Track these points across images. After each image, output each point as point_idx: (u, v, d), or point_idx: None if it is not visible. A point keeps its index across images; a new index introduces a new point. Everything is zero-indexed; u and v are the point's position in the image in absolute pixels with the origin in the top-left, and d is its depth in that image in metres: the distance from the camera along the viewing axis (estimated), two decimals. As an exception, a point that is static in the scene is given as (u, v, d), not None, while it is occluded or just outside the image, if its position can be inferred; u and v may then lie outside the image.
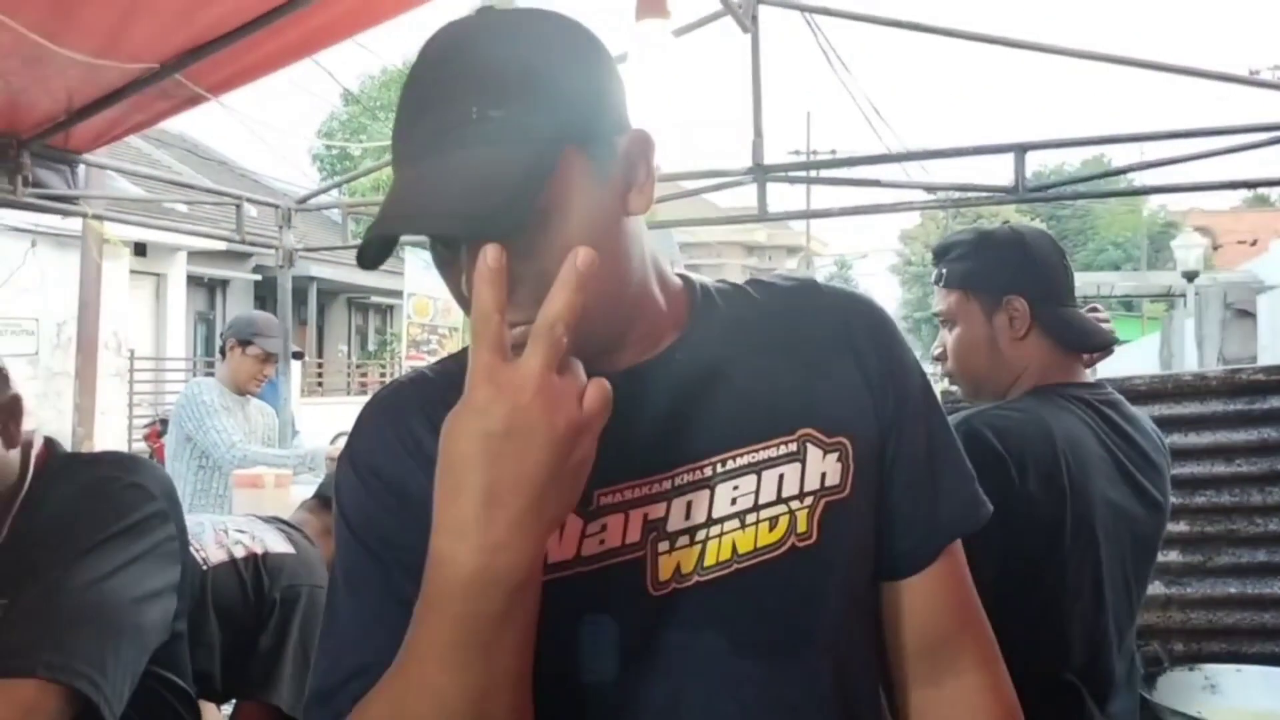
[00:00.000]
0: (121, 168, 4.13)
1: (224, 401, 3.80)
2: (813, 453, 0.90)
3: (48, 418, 12.62)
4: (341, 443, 3.72)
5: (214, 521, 2.48)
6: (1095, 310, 1.92)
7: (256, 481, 3.38)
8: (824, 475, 0.90)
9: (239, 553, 2.28)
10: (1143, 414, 1.68)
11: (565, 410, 0.69)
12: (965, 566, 1.01)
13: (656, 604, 0.85)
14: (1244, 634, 2.94)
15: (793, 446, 0.90)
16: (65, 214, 3.70)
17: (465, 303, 0.84)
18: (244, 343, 3.87)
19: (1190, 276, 11.07)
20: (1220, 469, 2.98)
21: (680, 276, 0.98)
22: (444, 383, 0.92)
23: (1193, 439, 2.98)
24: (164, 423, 12.79)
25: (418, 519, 0.77)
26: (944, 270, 1.68)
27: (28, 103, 3.09)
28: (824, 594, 0.90)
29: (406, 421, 0.89)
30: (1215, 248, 21.48)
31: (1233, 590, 2.94)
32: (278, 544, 2.33)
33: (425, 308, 9.88)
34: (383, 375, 20.84)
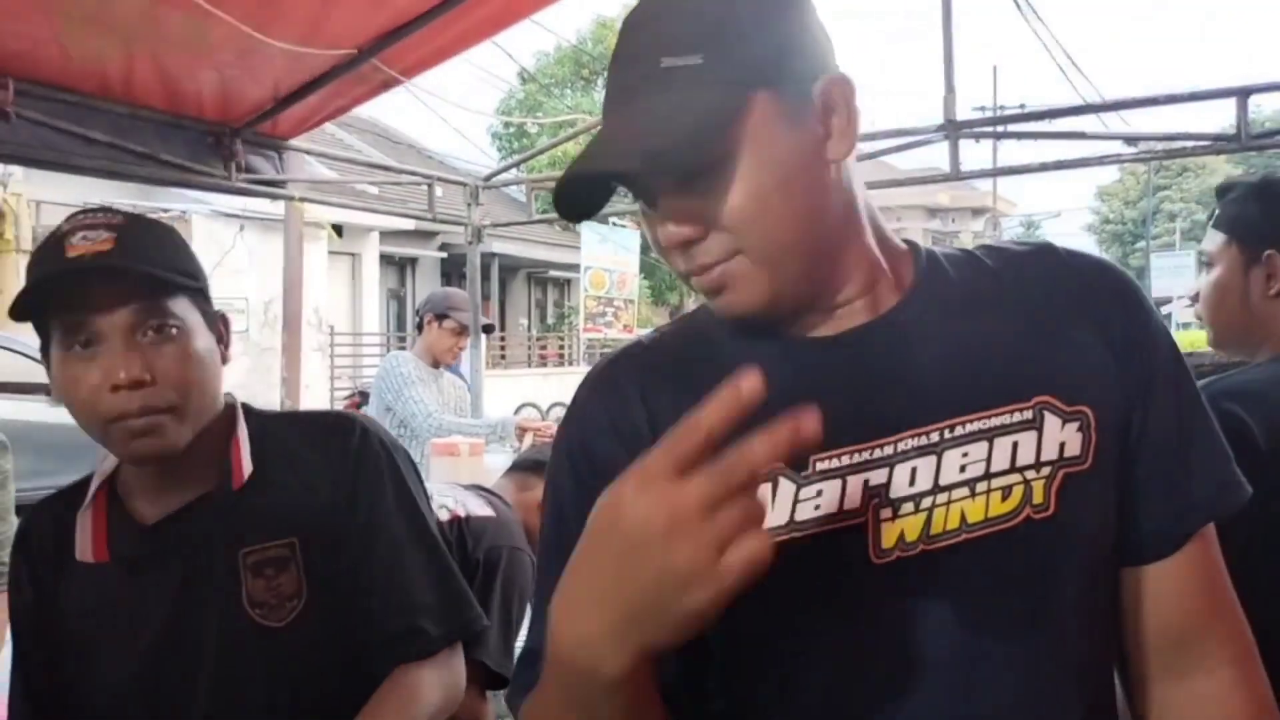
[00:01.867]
0: (323, 152, 4.33)
1: (420, 373, 3.96)
2: (1051, 421, 0.85)
3: (257, 390, 13.50)
4: (526, 413, 3.86)
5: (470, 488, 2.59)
6: None
7: (453, 450, 3.51)
8: (1063, 445, 0.85)
9: (444, 516, 2.38)
10: None
11: (692, 550, 0.65)
12: (1218, 552, 0.93)
13: (879, 572, 0.82)
14: None
15: (1028, 414, 0.85)
16: (274, 197, 3.92)
17: (662, 251, 0.87)
18: (440, 317, 4.04)
19: None
20: None
21: (906, 241, 0.95)
22: (659, 352, 0.94)
23: None
24: (363, 394, 13.55)
25: None
26: (1218, 210, 1.60)
27: (238, 92, 3.28)
28: (1059, 570, 0.86)
29: (621, 400, 0.90)
30: None
31: None
32: (479, 508, 2.43)
33: (601, 280, 10.03)
34: (561, 348, 21.35)
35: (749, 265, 0.83)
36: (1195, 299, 1.64)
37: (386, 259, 16.90)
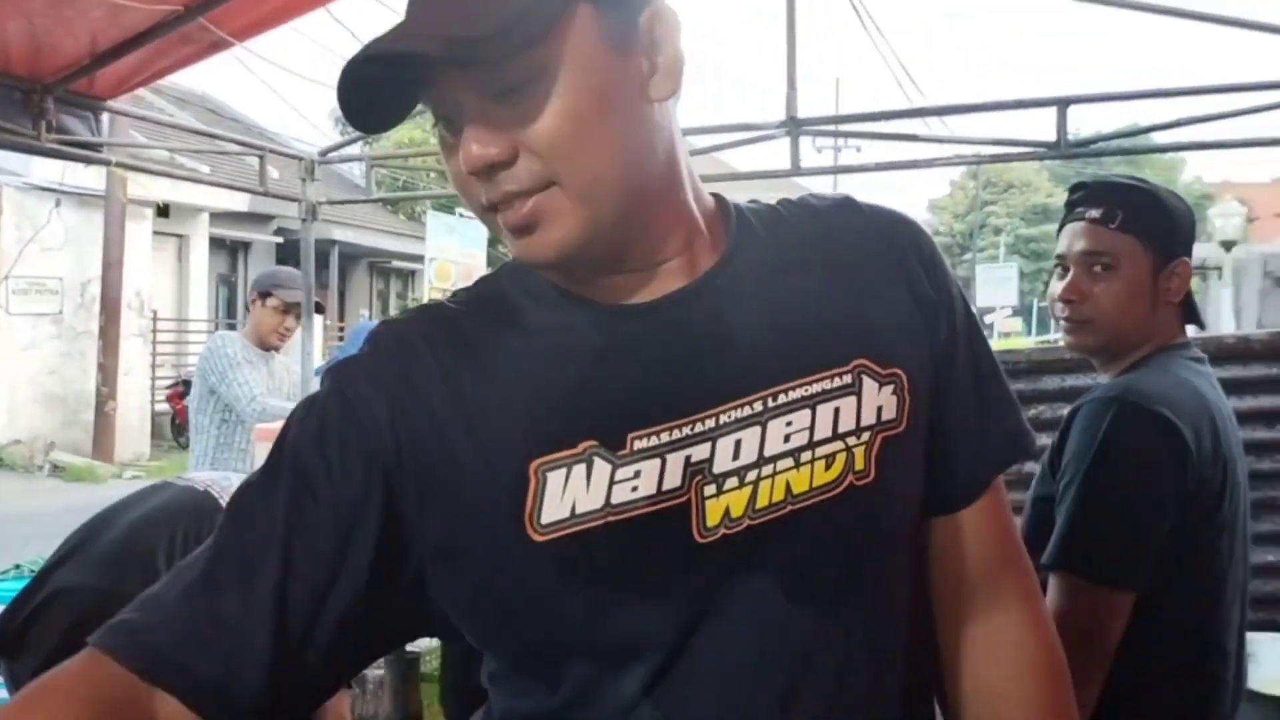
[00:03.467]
0: (146, 115, 4.08)
1: (247, 355, 3.78)
2: (868, 385, 0.84)
3: (72, 376, 12.73)
4: None
5: (240, 477, 2.47)
6: None
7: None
8: (880, 409, 0.84)
9: None
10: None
11: None
12: (1007, 499, 0.97)
13: (704, 551, 0.79)
14: (1257, 602, 2.88)
15: (847, 379, 0.84)
16: (89, 161, 3.68)
17: (462, 184, 0.80)
18: (264, 295, 3.86)
19: (1228, 245, 10.90)
20: (1261, 434, 2.90)
21: (714, 195, 0.91)
22: (458, 317, 0.86)
23: (1234, 403, 2.90)
24: (186, 384, 12.94)
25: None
26: (1119, 211, 1.57)
27: (51, 45, 3.05)
28: (882, 535, 0.86)
29: (415, 364, 0.82)
30: (1251, 220, 21.17)
31: (1271, 558, 2.87)
32: None
33: (447, 272, 9.83)
34: (404, 340, 20.87)
35: (563, 199, 0.77)
36: (1069, 300, 1.60)
37: (217, 242, 16.16)
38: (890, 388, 0.85)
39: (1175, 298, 1.57)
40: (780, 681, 0.81)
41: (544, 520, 0.77)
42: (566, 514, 0.77)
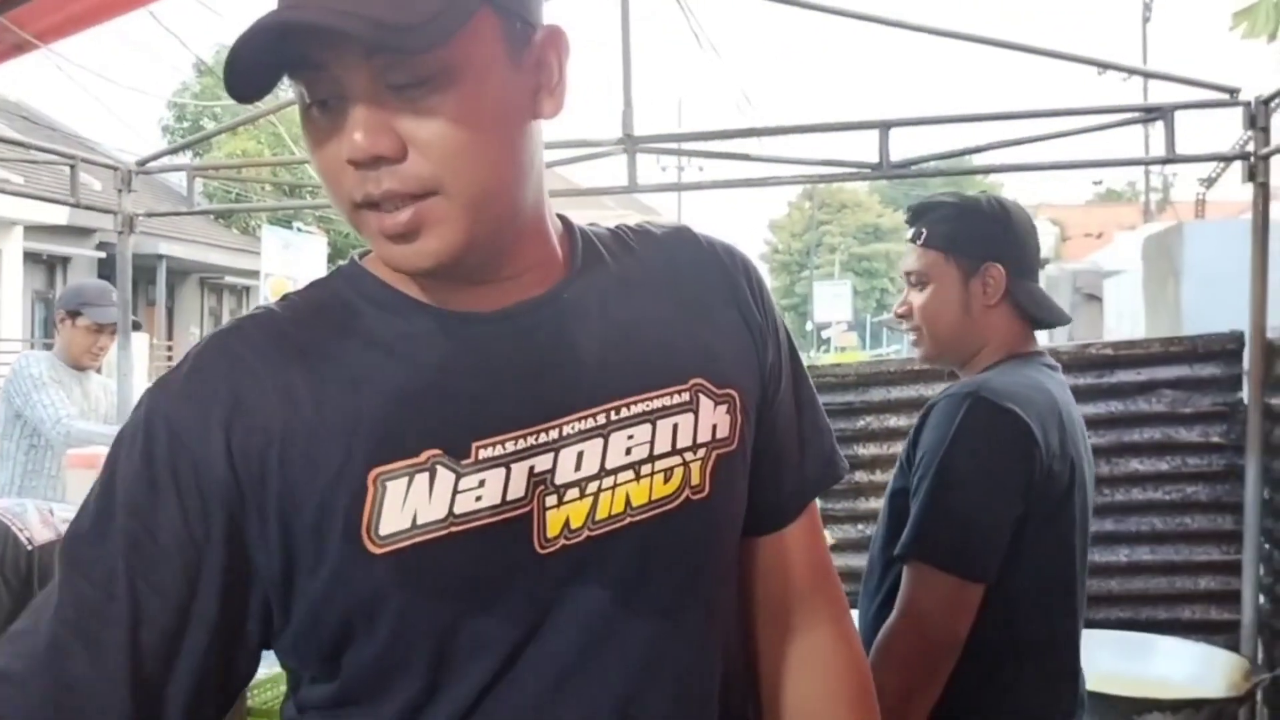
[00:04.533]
0: (-61, 122, 3.79)
1: (56, 375, 3.55)
2: (704, 403, 0.87)
3: None
4: None
5: (37, 503, 2.32)
6: None
7: (92, 462, 3.14)
8: (715, 427, 0.87)
9: (48, 535, 2.14)
10: None
11: None
12: (819, 522, 1.01)
13: (544, 562, 0.79)
14: (1089, 600, 3.07)
15: (685, 396, 0.86)
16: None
17: (332, 171, 0.75)
18: (73, 314, 3.62)
19: (1042, 263, 11.58)
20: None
21: (560, 217, 0.92)
22: (292, 323, 0.82)
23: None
24: (-4, 406, 12.07)
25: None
26: (924, 229, 1.67)
27: None
28: (713, 549, 0.88)
29: (247, 378, 0.78)
30: (1064, 239, 22.55)
31: (1098, 559, 3.05)
32: None
33: (283, 288, 9.50)
34: (239, 358, 20.09)
35: (446, 208, 0.75)
36: (903, 315, 1.71)
37: (33, 257, 15.21)
38: (725, 406, 0.88)
39: (991, 300, 1.63)
40: (617, 691, 0.81)
41: (383, 531, 0.76)
42: (407, 524, 0.76)
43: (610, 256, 0.91)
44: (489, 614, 0.79)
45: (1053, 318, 1.68)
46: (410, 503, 0.76)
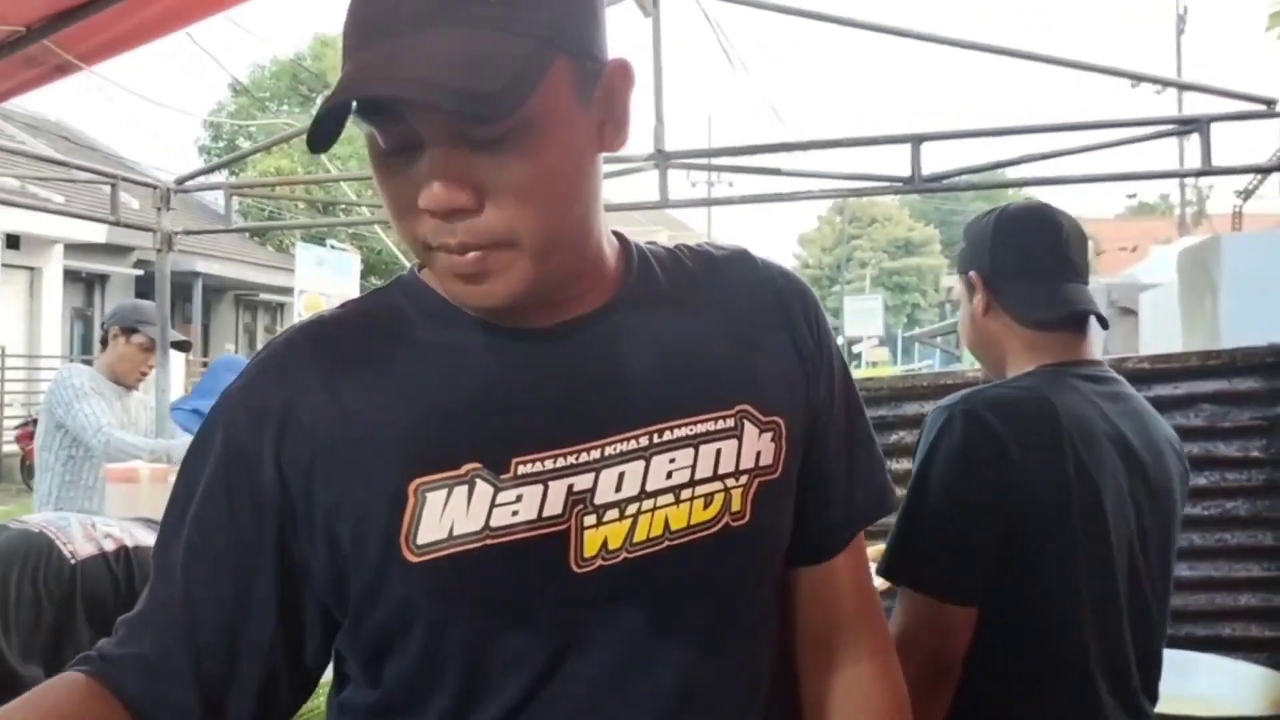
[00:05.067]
0: (-16, 142, 3.88)
1: (98, 387, 3.60)
2: (749, 430, 0.86)
3: (-92, 417, 11.95)
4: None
5: (80, 517, 2.36)
6: None
7: (132, 476, 3.19)
8: (759, 454, 0.86)
9: (109, 546, 2.18)
10: (1138, 395, 1.64)
11: None
12: (866, 554, 1.00)
13: (580, 581, 0.79)
14: None
15: (730, 422, 0.86)
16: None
17: (406, 214, 0.76)
18: (128, 330, 3.66)
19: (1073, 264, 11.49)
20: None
21: (616, 234, 0.92)
22: (343, 331, 0.85)
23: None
24: (36, 422, 12.23)
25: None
26: (957, 254, 1.72)
27: (-122, 66, 2.88)
28: (752, 576, 0.88)
29: (297, 387, 0.82)
30: (1098, 253, 22.36)
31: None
32: (146, 537, 2.23)
33: (317, 305, 9.59)
34: (273, 375, 20.28)
35: (518, 256, 0.76)
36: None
37: (72, 275, 15.44)
38: (770, 434, 0.87)
39: (979, 310, 1.60)
40: (651, 716, 0.81)
41: (420, 541, 0.77)
42: (444, 535, 0.77)
43: (665, 276, 0.91)
44: (522, 630, 0.79)
45: (1046, 313, 1.56)
46: (448, 514, 0.77)
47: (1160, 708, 2.17)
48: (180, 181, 3.82)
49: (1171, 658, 2.57)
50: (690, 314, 0.89)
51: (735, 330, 0.90)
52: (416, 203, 0.74)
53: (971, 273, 1.62)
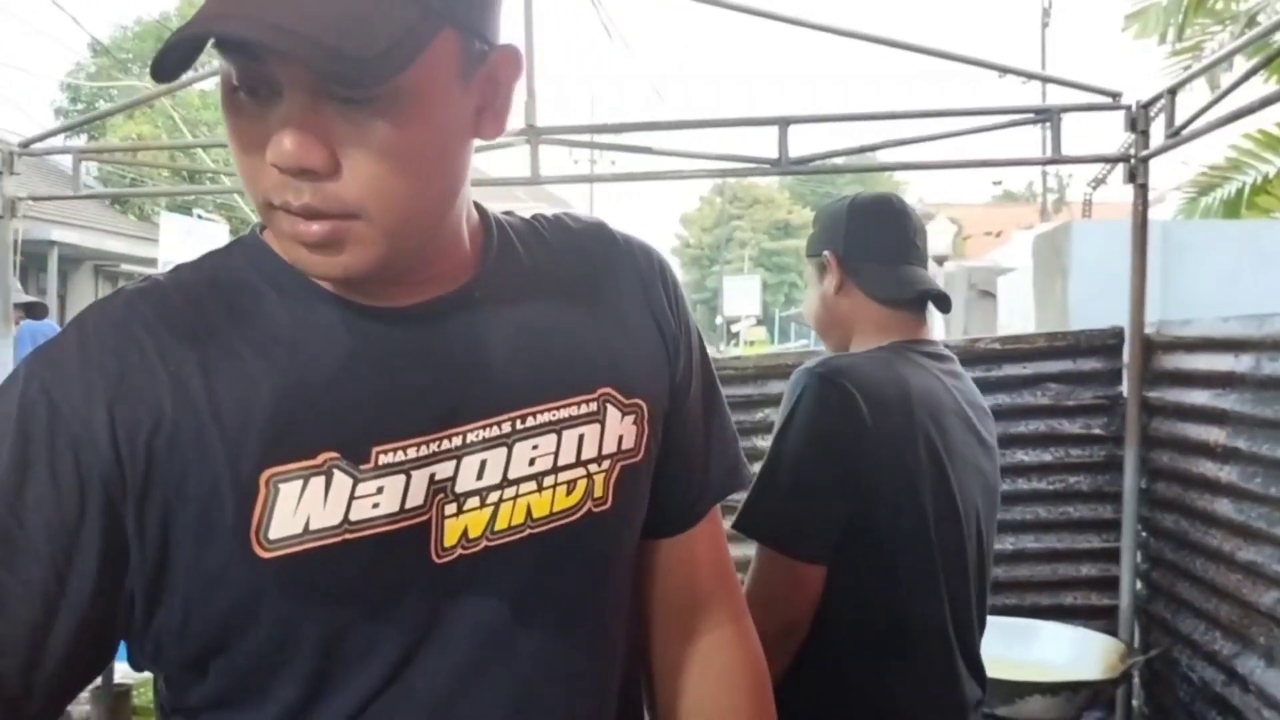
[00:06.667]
0: None
1: None
2: (612, 414, 0.86)
3: None
4: None
5: None
6: None
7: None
8: (621, 438, 0.86)
9: None
10: (965, 372, 1.74)
11: None
12: (722, 527, 1.01)
13: (440, 572, 0.78)
14: None
15: (593, 406, 0.85)
16: None
17: (252, 165, 0.70)
18: None
19: (940, 260, 11.96)
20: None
21: (476, 206, 0.88)
22: (183, 300, 0.78)
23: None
24: None
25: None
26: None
27: None
28: (613, 560, 0.88)
29: (135, 355, 0.74)
30: (965, 238, 23.15)
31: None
32: None
33: (183, 277, 9.23)
34: (135, 349, 19.50)
35: (367, 230, 0.71)
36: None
37: (-88, 241, 14.50)
38: (632, 417, 0.87)
39: (831, 289, 1.68)
40: (504, 703, 0.80)
41: (272, 535, 0.72)
42: (299, 529, 0.73)
43: (524, 250, 0.89)
44: (378, 622, 0.77)
45: (898, 292, 1.65)
46: (304, 507, 0.73)
47: (1005, 673, 2.27)
48: (25, 144, 3.61)
49: (1016, 625, 2.71)
50: (552, 293, 0.87)
51: (597, 309, 0.89)
52: (264, 153, 0.69)
53: (826, 253, 1.68)
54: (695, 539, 0.97)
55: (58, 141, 4.22)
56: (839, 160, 3.31)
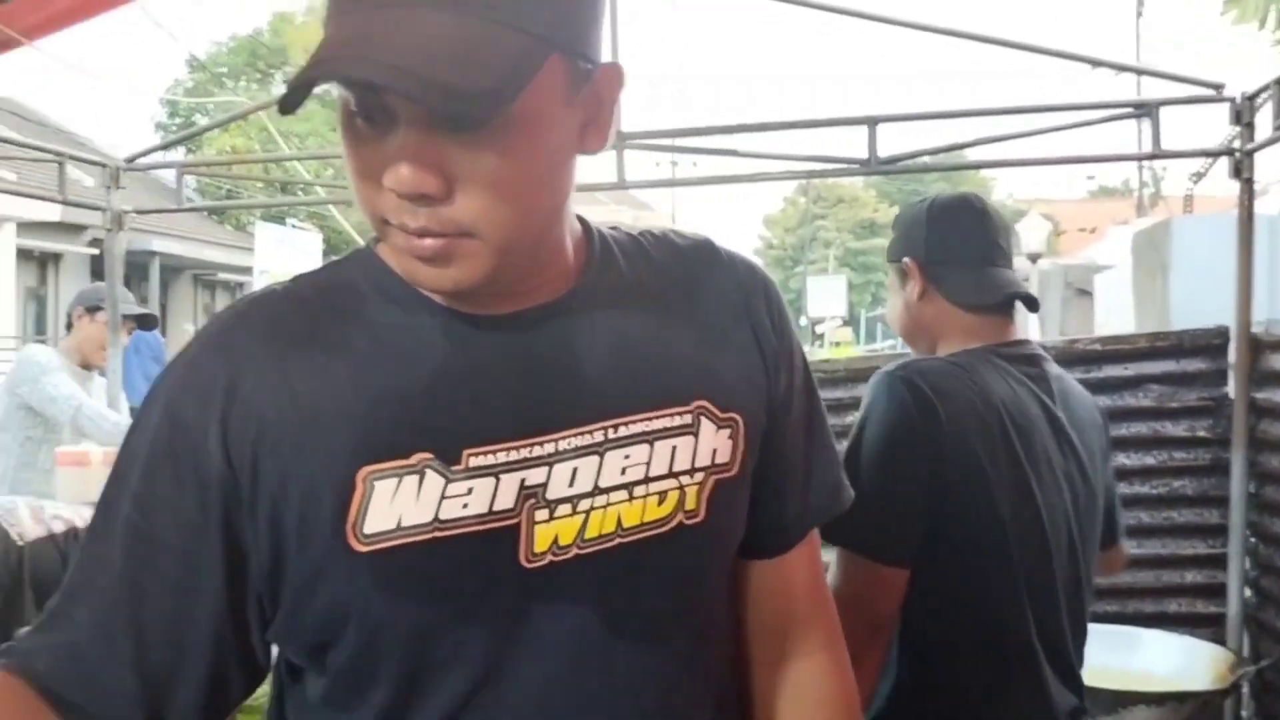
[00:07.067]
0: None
1: (63, 365, 3.58)
2: (706, 426, 0.85)
3: None
4: None
5: (28, 500, 2.35)
6: None
7: (82, 459, 3.15)
8: (715, 451, 0.85)
9: (57, 528, 2.18)
10: (1066, 373, 1.70)
11: None
12: (819, 549, 1.00)
13: (528, 576, 0.79)
14: None
15: (687, 418, 0.84)
16: None
17: (370, 190, 0.73)
18: (92, 309, 3.69)
19: (1034, 258, 11.68)
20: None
21: (579, 218, 0.90)
22: (296, 306, 0.83)
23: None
24: (-11, 404, 11.98)
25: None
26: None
27: None
28: (704, 574, 0.88)
29: (244, 364, 0.79)
30: (1058, 234, 22.62)
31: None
32: None
33: (277, 284, 9.46)
34: (233, 355, 20.12)
35: (478, 247, 0.74)
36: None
37: (25, 254, 15.17)
38: (727, 431, 0.86)
39: (914, 296, 1.64)
40: (601, 713, 0.81)
41: (367, 530, 0.75)
42: (392, 525, 0.75)
43: (627, 264, 0.89)
44: (468, 624, 0.78)
45: (983, 297, 1.61)
46: (397, 504, 0.76)
47: (1107, 682, 2.22)
48: (131, 159, 3.75)
49: (1119, 633, 2.64)
50: (651, 305, 0.88)
51: (696, 323, 0.89)
52: (381, 177, 0.72)
53: (906, 259, 1.65)
54: (792, 562, 0.96)
55: (160, 156, 4.37)
56: (929, 159, 3.26)
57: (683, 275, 0.91)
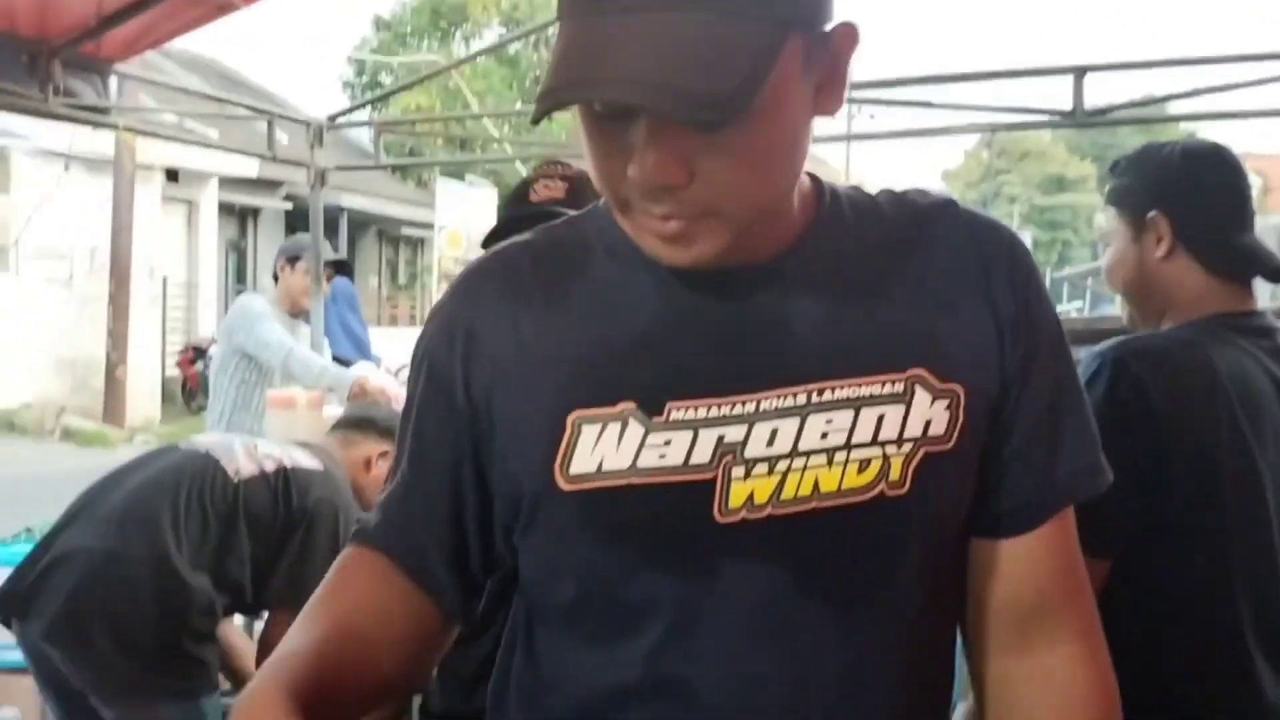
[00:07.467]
0: (154, 79, 4.06)
1: (276, 313, 3.83)
2: (921, 396, 0.82)
3: (82, 341, 12.76)
4: (365, 369, 3.83)
5: (243, 439, 2.50)
6: None
7: (290, 402, 3.37)
8: (928, 423, 0.81)
9: (269, 466, 2.31)
10: None
11: None
12: (1074, 531, 0.92)
13: (722, 531, 0.79)
14: None
15: (899, 387, 0.81)
16: (96, 125, 3.66)
17: (612, 174, 0.76)
18: (293, 260, 3.95)
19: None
20: None
21: (810, 176, 0.88)
22: (532, 258, 0.89)
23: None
24: (196, 350, 12.92)
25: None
26: (1109, 187, 1.61)
27: (57, 6, 3.03)
28: (906, 547, 0.83)
29: (485, 307, 0.87)
30: (1266, 191, 21.03)
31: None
32: (305, 460, 2.34)
33: (458, 240, 9.79)
34: (413, 308, 20.91)
35: (720, 224, 0.75)
36: (1105, 276, 1.64)
37: (226, 208, 16.13)
38: (945, 403, 0.82)
39: (1160, 254, 1.50)
40: (781, 675, 0.81)
41: (573, 471, 0.80)
42: (593, 469, 0.79)
43: (856, 223, 0.87)
44: (659, 570, 0.80)
45: (1249, 268, 1.49)
46: (600, 448, 0.79)
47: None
48: (332, 119, 3.93)
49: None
50: (874, 268, 0.85)
51: (923, 289, 0.84)
52: (621, 162, 0.74)
53: (1154, 213, 1.50)
54: (1037, 543, 0.88)
55: (358, 115, 4.56)
56: (1140, 111, 3.06)
57: (916, 236, 0.87)
